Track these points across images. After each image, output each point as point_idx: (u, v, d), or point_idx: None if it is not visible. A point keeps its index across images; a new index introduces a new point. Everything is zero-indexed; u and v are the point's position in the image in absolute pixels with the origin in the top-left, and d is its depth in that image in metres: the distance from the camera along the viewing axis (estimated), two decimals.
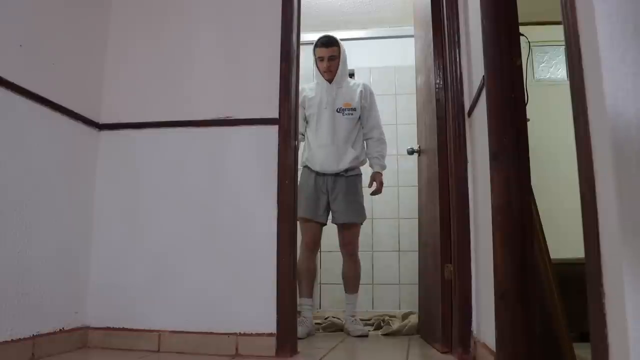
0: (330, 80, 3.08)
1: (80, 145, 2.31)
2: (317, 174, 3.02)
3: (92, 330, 2.25)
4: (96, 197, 2.38)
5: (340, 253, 3.09)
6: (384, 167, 3.11)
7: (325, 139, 3.01)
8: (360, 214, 3.04)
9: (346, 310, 3.06)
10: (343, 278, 3.09)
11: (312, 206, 2.97)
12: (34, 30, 2.02)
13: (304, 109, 3.09)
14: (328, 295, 3.91)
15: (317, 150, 3.02)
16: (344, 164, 2.99)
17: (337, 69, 3.06)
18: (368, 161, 3.12)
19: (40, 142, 2.05)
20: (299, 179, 2.58)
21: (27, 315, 1.90)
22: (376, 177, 3.09)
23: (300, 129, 3.04)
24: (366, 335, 2.87)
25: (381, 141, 3.12)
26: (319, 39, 3.09)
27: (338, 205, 2.99)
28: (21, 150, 1.94)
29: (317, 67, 3.10)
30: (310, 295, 2.99)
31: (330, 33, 3.16)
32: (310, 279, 3.00)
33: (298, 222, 2.51)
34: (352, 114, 3.05)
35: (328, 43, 3.05)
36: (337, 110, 3.04)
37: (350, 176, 3.03)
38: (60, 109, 2.15)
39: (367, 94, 3.11)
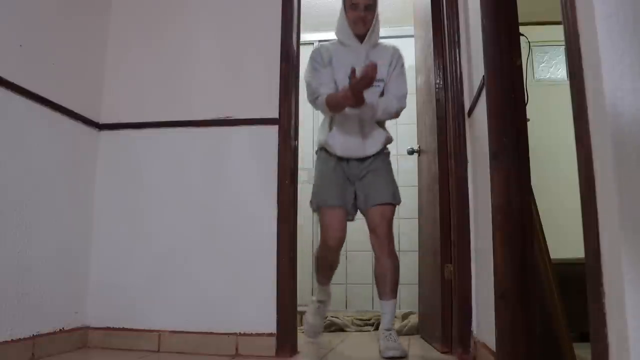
0: (361, 38, 2.38)
1: (80, 145, 2.31)
2: (339, 158, 2.35)
3: (92, 330, 2.25)
4: (96, 197, 2.38)
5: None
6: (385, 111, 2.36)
7: (348, 117, 2.31)
8: (396, 194, 2.38)
9: (382, 322, 2.30)
10: (377, 278, 2.38)
11: (338, 192, 2.31)
12: (34, 30, 2.02)
13: (333, 68, 2.35)
14: None
15: (338, 132, 2.34)
16: (374, 148, 2.36)
17: (372, 25, 2.35)
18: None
19: (40, 142, 2.05)
20: (315, 164, 2.43)
21: (27, 315, 1.90)
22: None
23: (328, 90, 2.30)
24: (402, 357, 2.13)
25: (394, 106, 2.36)
26: None
27: (368, 187, 2.33)
28: (21, 150, 1.94)
29: (347, 18, 2.38)
30: (328, 283, 2.57)
31: (330, 33, 3.14)
32: (332, 272, 2.53)
33: (319, 216, 2.33)
34: (379, 86, 2.34)
35: None
36: None
37: (380, 156, 2.39)
38: (60, 109, 2.15)
39: (398, 63, 2.43)
